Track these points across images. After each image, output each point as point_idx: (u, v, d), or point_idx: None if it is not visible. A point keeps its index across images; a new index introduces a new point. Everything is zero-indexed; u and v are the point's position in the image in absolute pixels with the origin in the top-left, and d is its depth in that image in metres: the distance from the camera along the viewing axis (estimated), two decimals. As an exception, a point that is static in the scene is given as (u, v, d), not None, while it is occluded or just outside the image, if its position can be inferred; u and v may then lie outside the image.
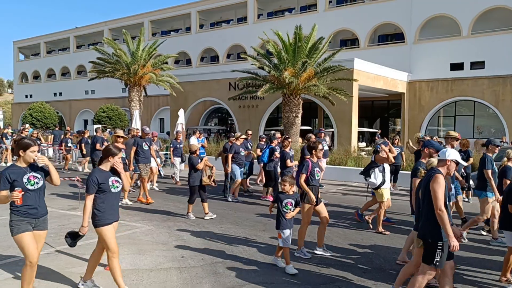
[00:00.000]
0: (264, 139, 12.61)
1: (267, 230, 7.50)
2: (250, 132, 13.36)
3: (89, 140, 16.54)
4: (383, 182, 7.41)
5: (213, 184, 8.32)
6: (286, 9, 35.19)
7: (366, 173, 7.54)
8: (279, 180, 9.60)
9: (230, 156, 10.53)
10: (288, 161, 9.50)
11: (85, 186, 4.37)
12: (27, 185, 4.00)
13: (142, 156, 10.24)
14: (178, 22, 41.27)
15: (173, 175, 13.54)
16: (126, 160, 9.73)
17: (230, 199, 10.56)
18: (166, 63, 35.79)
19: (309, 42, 18.80)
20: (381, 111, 31.63)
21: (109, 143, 13.62)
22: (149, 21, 41.64)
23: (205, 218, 8.26)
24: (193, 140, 13.95)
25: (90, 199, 4.29)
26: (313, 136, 10.92)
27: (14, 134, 19.46)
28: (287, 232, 5.44)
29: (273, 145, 10.73)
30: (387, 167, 7.57)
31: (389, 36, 30.19)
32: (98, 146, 13.51)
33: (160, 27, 42.54)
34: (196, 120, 34.87)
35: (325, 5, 31.55)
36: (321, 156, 6.46)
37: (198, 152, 8.50)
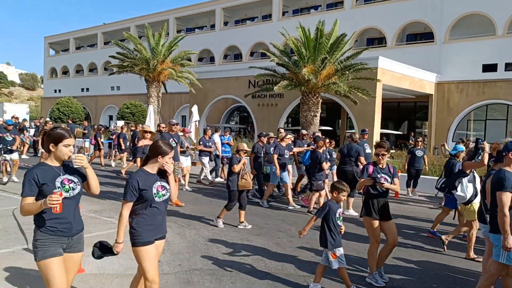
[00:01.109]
0: (292, 139, 11.77)
1: (262, 234, 6.87)
2: (282, 130, 12.45)
3: (127, 135, 16.51)
4: (475, 194, 5.96)
5: (251, 187, 7.49)
6: (312, 7, 34.36)
7: (452, 185, 6.18)
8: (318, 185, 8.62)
9: (275, 157, 9.50)
10: (324, 163, 8.54)
11: (124, 190, 3.41)
12: (60, 191, 3.02)
13: None
14: (203, 19, 41.07)
15: (201, 178, 12.77)
16: None
17: (264, 204, 9.47)
18: (190, 60, 35.70)
19: (330, 39, 18.06)
20: (407, 113, 30.39)
21: (158, 139, 12.96)
22: (174, 18, 41.62)
23: (239, 226, 7.35)
24: (216, 138, 13.38)
25: (127, 207, 3.36)
26: (356, 135, 9.97)
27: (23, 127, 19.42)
28: (341, 249, 4.52)
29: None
30: (477, 175, 6.25)
31: (418, 35, 28.94)
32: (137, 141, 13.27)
33: (185, 24, 42.47)
34: (217, 118, 34.52)
35: (352, 2, 30.56)
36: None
37: (242, 154, 7.40)
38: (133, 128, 19.61)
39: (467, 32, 25.83)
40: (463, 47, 25.65)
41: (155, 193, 3.38)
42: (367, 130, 11.67)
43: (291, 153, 10.39)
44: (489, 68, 24.84)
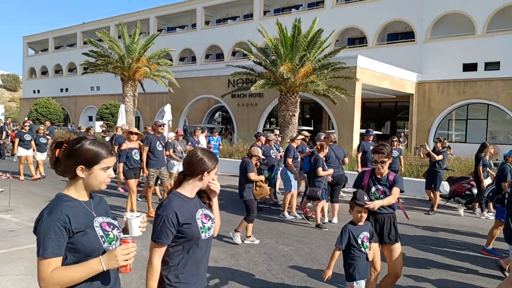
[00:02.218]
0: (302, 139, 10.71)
1: (218, 244, 6.30)
2: (277, 132, 11.32)
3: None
4: None
5: (268, 193, 6.65)
6: (293, 6, 34.02)
7: None
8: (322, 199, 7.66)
9: (290, 160, 8.43)
10: (320, 169, 7.46)
11: (153, 228, 2.27)
12: (104, 242, 1.94)
13: (154, 159, 7.98)
14: (184, 18, 40.44)
15: None
16: (141, 164, 8.05)
17: (286, 216, 8.42)
18: (171, 59, 34.95)
19: (308, 36, 17.70)
20: (389, 113, 30.18)
21: (189, 146, 11.12)
22: (155, 17, 40.90)
23: (245, 242, 6.45)
24: (202, 140, 12.67)
25: (158, 253, 2.24)
26: (334, 135, 9.14)
27: None
28: (362, 283, 3.66)
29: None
30: None
31: (399, 35, 28.76)
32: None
33: (166, 23, 41.78)
34: (199, 118, 33.96)
35: (333, 1, 30.26)
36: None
37: (255, 160, 6.59)
38: (103, 129, 18.99)
39: (447, 31, 25.71)
40: (443, 47, 25.51)
41: (200, 227, 2.30)
42: (371, 130, 10.66)
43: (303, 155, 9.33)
44: (469, 67, 24.73)
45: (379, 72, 22.09)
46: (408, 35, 27.64)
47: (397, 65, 24.01)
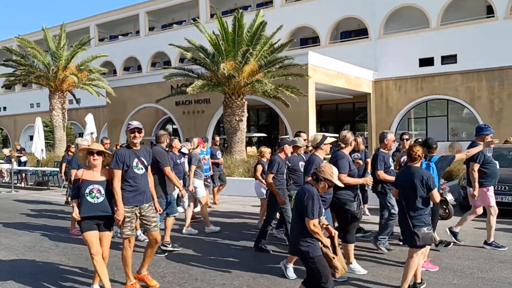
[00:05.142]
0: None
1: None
2: (305, 135, 7.93)
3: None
4: None
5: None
6: (241, 7, 32.21)
7: None
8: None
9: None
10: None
11: None
12: None
13: (129, 188, 4.80)
14: (128, 25, 37.84)
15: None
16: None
17: None
18: (115, 71, 32.19)
19: (251, 31, 15.88)
20: (347, 115, 28.75)
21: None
22: (95, 25, 38.06)
23: None
24: (185, 151, 9.92)
25: None
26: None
27: None
28: None
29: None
30: None
31: (353, 32, 27.47)
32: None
33: (109, 31, 39.00)
34: (148, 130, 31.37)
35: (282, 0, 28.71)
36: None
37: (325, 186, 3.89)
38: (18, 148, 16.29)
39: (401, 26, 24.60)
40: (398, 42, 24.35)
41: None
42: (490, 127, 6.54)
43: None
44: (426, 62, 23.63)
45: (332, 70, 20.50)
46: (361, 32, 26.39)
47: (353, 63, 22.56)
